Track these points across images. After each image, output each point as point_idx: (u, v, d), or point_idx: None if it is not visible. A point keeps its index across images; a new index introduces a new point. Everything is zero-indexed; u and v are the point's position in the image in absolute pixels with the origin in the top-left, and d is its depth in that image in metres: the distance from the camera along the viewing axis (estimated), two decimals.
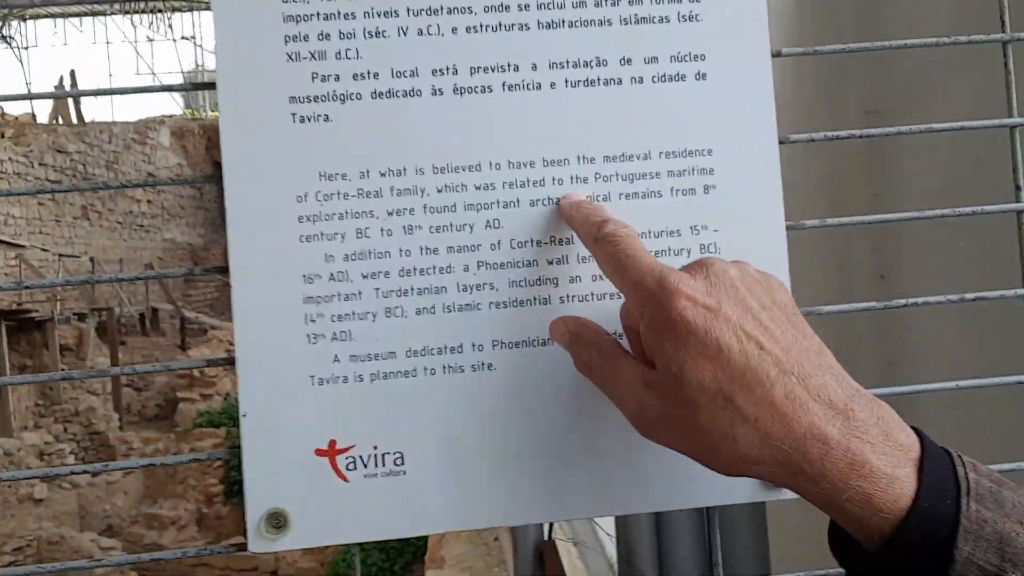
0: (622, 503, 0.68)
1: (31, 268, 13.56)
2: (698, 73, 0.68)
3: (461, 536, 6.82)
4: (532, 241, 0.67)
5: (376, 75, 0.66)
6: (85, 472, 0.56)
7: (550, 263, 0.67)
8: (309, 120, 0.65)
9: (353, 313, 0.65)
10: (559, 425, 0.67)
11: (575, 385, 0.67)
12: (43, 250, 14.23)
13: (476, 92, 0.67)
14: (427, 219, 0.66)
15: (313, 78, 0.66)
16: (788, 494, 0.67)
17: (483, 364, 0.66)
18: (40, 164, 14.54)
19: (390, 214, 0.66)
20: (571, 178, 0.67)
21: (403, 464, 0.66)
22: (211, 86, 0.66)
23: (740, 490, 0.68)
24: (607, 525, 1.99)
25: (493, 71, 0.67)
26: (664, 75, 0.68)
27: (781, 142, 0.70)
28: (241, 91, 0.65)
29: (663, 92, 0.68)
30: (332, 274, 0.65)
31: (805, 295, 1.57)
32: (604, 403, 0.66)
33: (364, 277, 0.65)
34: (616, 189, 0.68)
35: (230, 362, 0.66)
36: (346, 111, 0.66)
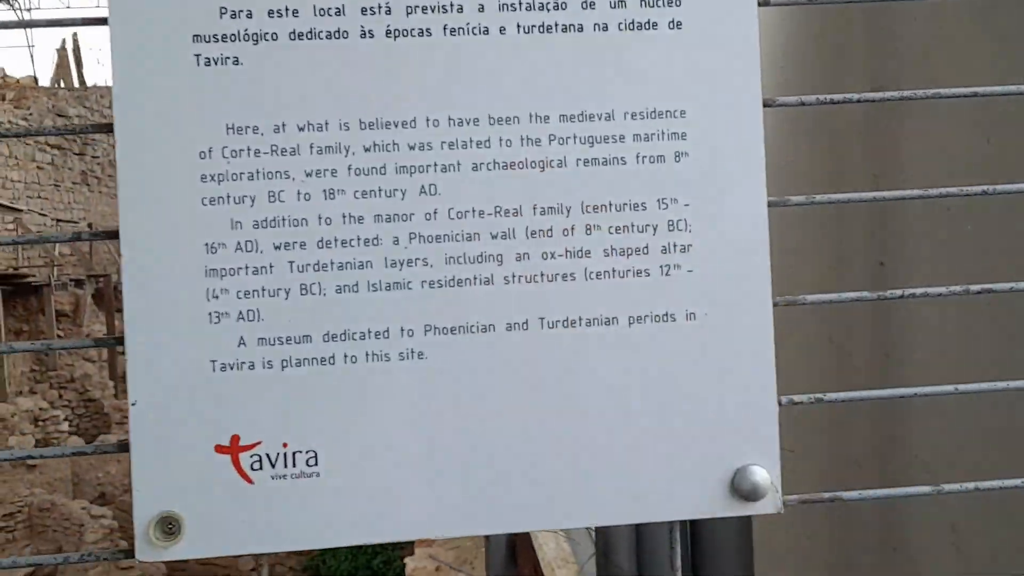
0: (575, 515, 0.60)
1: (29, 232, 13.47)
2: (672, 21, 0.59)
3: None
4: (474, 211, 0.58)
5: (296, 12, 0.57)
6: None
7: (494, 237, 0.58)
8: (216, 63, 0.56)
9: (263, 289, 0.56)
10: (502, 424, 0.58)
11: (521, 379, 0.58)
12: (41, 215, 14.11)
13: (412, 35, 0.57)
14: (352, 182, 0.57)
15: (222, 14, 0.56)
16: (753, 508, 0.59)
17: (413, 352, 0.58)
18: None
19: (308, 175, 0.57)
20: (521, 139, 0.58)
21: (317, 465, 0.57)
22: (103, 21, 0.57)
23: (707, 505, 0.60)
24: None
25: (433, 11, 0.58)
26: (632, 22, 0.59)
27: (766, 105, 0.61)
28: (137, 26, 0.56)
29: (631, 42, 0.59)
30: (239, 243, 0.56)
31: (798, 281, 1.47)
32: (556, 402, 0.57)
33: (276, 248, 0.57)
34: (573, 154, 0.58)
35: (120, 341, 0.57)
36: (259, 53, 0.56)
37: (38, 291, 13.27)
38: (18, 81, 15.91)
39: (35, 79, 16.87)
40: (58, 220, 14.60)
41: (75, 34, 17.65)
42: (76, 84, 17.35)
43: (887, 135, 1.29)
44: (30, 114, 14.24)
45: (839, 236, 1.43)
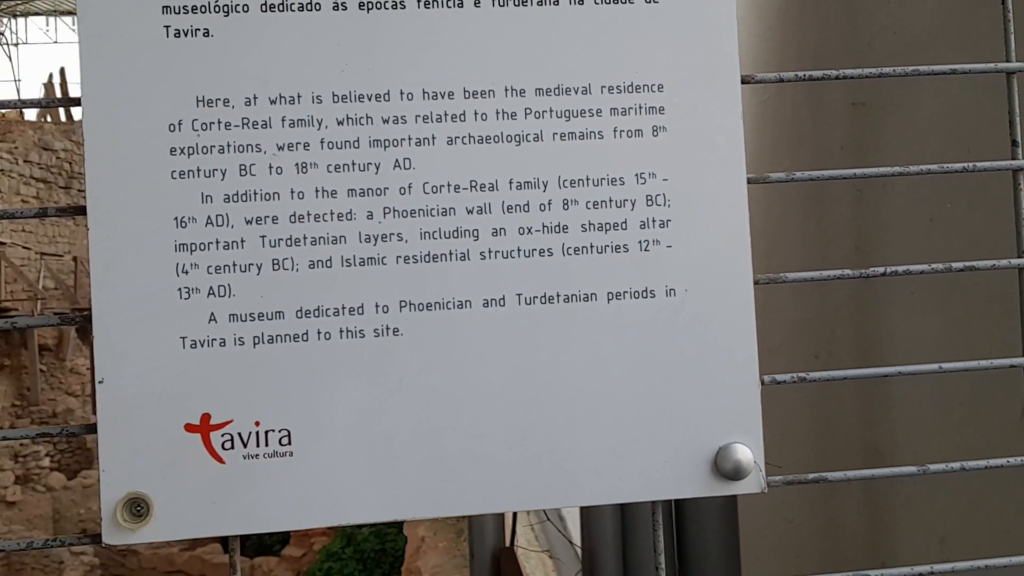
0: (556, 495, 0.58)
1: (12, 266, 13.37)
2: None
3: (439, 547, 6.71)
4: (449, 185, 0.57)
5: None
6: None
7: (470, 212, 0.57)
8: (186, 35, 0.55)
9: (234, 264, 0.55)
10: (479, 402, 0.57)
11: (499, 356, 0.57)
12: (25, 248, 14.02)
13: (386, 8, 0.57)
14: (324, 156, 0.56)
15: None
16: (736, 488, 0.57)
17: (388, 328, 0.56)
18: (25, 161, 14.35)
19: (280, 148, 0.56)
20: (497, 113, 0.58)
21: (290, 444, 0.56)
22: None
23: (688, 485, 0.58)
24: (577, 535, 1.89)
25: None
26: None
27: (744, 81, 0.60)
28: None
29: (607, 14, 0.58)
30: (209, 217, 0.55)
31: (778, 303, 1.45)
32: (534, 379, 0.56)
33: (248, 222, 0.55)
34: (549, 128, 0.58)
35: (89, 319, 0.56)
36: (230, 25, 0.56)
37: None
38: (3, 115, 15.89)
39: (21, 113, 16.85)
40: (43, 254, 14.51)
41: (62, 69, 17.67)
42: (63, 118, 17.34)
43: (869, 150, 1.30)
44: (15, 148, 14.22)
45: (823, 251, 1.42)
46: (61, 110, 17.44)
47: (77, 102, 0.55)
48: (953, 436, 1.04)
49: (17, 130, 15.06)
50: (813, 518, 1.52)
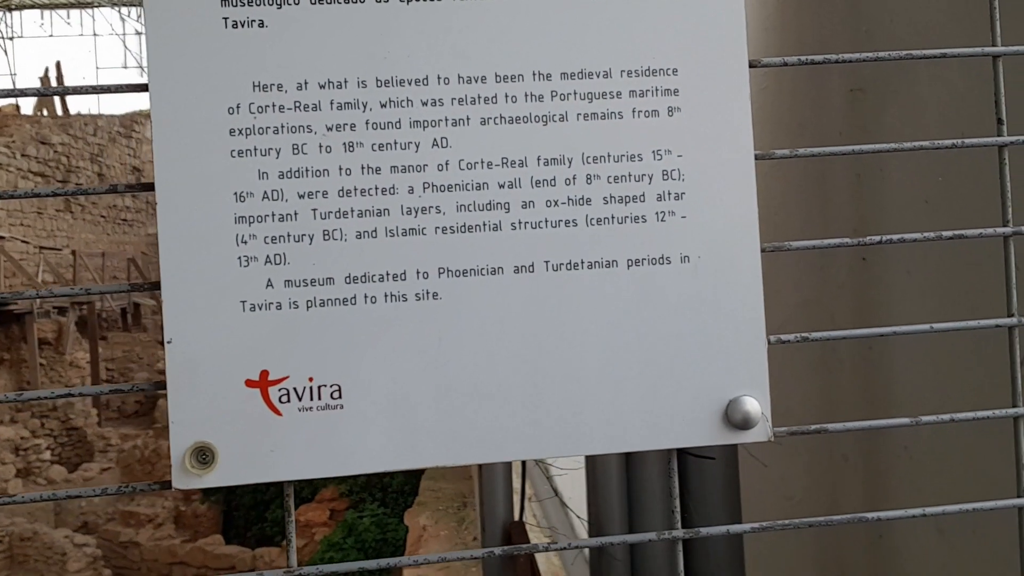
0: (581, 444, 0.64)
1: (11, 260, 13.41)
2: None
3: (441, 536, 6.78)
4: (482, 162, 0.62)
5: None
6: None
7: (501, 186, 0.63)
8: (242, 25, 0.61)
9: (288, 235, 0.61)
10: (510, 359, 0.63)
11: (528, 317, 0.63)
12: (24, 241, 14.07)
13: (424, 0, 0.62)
14: (369, 136, 0.61)
15: None
16: (745, 437, 0.63)
17: (428, 293, 0.62)
18: (23, 155, 14.38)
19: (329, 129, 0.61)
20: (526, 95, 0.63)
21: (340, 398, 0.61)
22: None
23: (702, 434, 0.64)
24: (580, 508, 1.96)
25: None
26: None
27: (751, 65, 0.66)
28: None
29: (626, 3, 0.64)
30: (266, 192, 0.61)
31: (780, 286, 1.50)
32: (558, 338, 0.62)
33: (300, 196, 0.61)
34: (573, 109, 0.63)
35: (156, 285, 0.61)
36: (283, 16, 0.61)
37: (20, 319, 13.19)
38: (0, 109, 15.89)
39: (17, 107, 16.84)
40: (41, 247, 14.53)
41: (58, 63, 17.66)
42: (59, 112, 17.33)
43: (869, 136, 1.34)
44: (12, 141, 14.23)
45: (823, 234, 1.47)
46: (57, 104, 17.44)
47: (144, 88, 0.60)
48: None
49: (14, 124, 15.06)
50: (813, 496, 1.58)
